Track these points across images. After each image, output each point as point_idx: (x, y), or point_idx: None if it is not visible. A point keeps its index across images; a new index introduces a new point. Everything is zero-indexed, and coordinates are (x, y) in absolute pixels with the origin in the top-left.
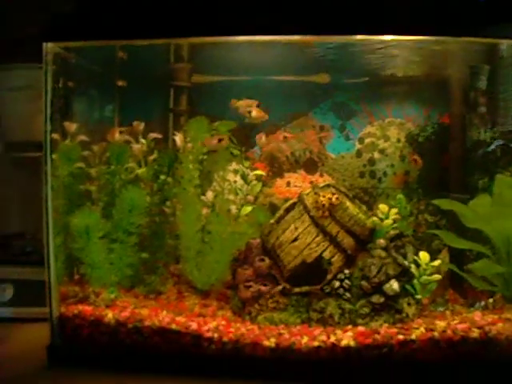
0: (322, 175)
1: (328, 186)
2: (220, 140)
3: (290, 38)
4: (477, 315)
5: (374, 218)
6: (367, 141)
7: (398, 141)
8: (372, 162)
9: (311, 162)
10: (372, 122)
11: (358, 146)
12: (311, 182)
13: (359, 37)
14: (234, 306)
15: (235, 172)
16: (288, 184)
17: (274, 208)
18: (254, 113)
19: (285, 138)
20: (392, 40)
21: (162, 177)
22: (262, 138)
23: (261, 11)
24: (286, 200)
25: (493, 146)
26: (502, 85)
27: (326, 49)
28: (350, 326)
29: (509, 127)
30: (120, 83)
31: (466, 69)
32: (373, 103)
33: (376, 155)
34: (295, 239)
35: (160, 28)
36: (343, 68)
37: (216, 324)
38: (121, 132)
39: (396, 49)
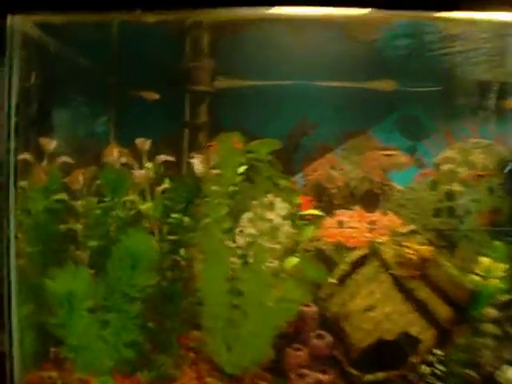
0: (385, 213)
1: (414, 232)
2: None
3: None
4: None
5: (474, 277)
6: (444, 168)
7: (485, 168)
8: (450, 195)
9: (371, 196)
10: (451, 143)
11: None
12: (371, 222)
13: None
14: None
15: (279, 210)
16: (340, 224)
17: (323, 257)
18: None
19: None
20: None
21: (175, 215)
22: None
23: None
24: (338, 246)
25: None
26: None
27: (393, 45)
28: None
29: None
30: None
31: None
32: (451, 119)
33: (456, 187)
34: (370, 308)
35: None
36: (414, 72)
37: None
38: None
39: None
